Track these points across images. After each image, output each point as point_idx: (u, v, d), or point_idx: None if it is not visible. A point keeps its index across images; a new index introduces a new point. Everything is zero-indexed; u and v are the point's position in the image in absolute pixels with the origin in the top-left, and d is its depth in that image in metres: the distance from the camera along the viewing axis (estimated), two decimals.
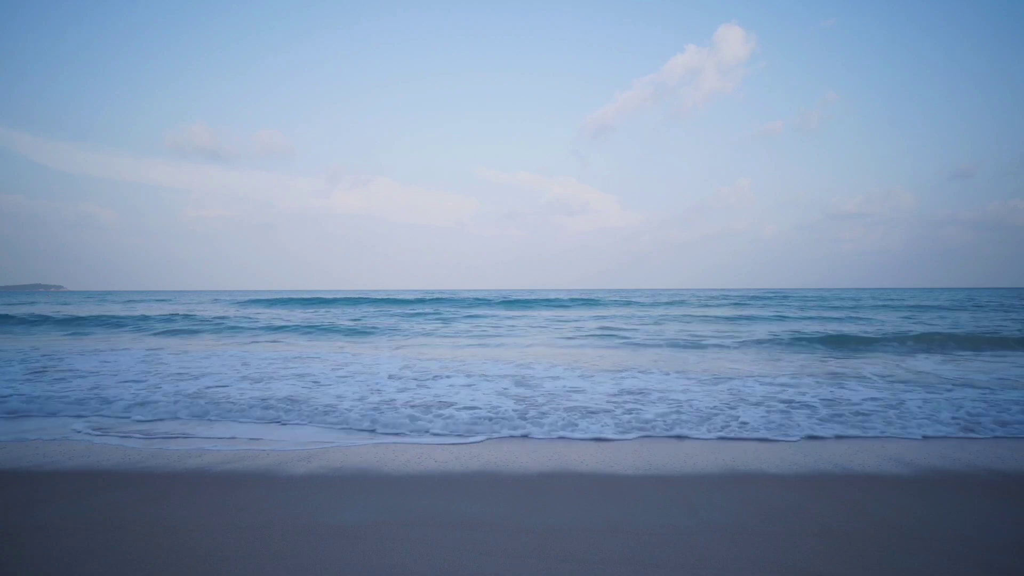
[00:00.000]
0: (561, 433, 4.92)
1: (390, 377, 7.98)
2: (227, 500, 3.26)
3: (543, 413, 5.64)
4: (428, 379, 7.86)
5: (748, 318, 21.68)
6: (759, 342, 12.95)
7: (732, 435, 4.88)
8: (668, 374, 8.35)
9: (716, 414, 5.62)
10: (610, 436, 4.83)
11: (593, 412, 5.72)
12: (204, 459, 4.14)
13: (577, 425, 5.18)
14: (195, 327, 18.34)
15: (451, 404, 6.12)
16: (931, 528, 2.92)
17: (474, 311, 27.68)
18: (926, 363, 9.73)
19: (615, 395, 6.65)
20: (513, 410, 5.80)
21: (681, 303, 34.79)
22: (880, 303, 32.63)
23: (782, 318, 21.67)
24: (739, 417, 5.47)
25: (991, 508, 3.23)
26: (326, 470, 3.90)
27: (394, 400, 6.32)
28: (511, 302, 35.04)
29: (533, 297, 42.54)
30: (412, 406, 6.01)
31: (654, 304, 33.62)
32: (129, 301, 44.12)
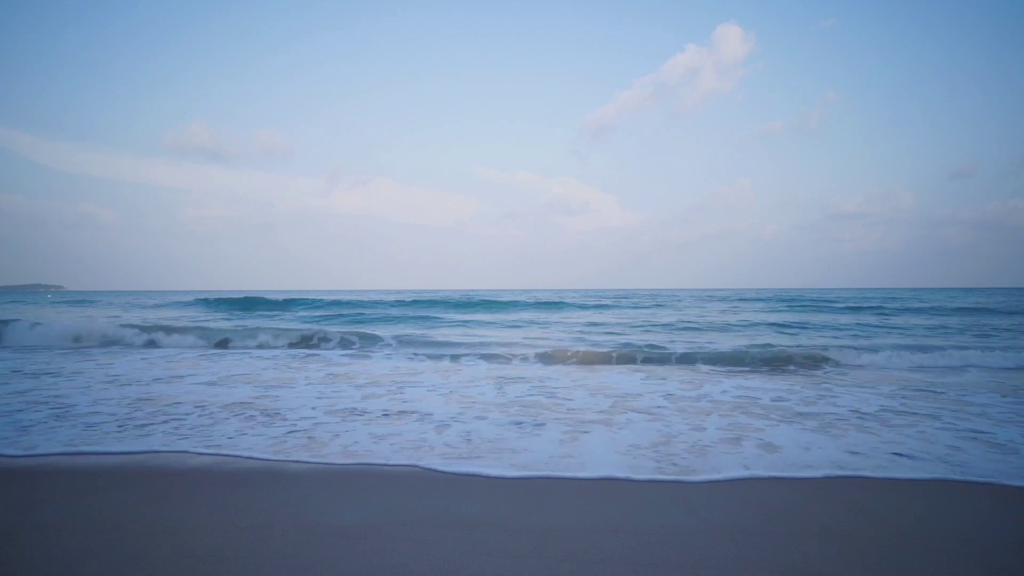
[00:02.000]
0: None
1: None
2: (227, 500, 3.26)
3: None
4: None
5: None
6: None
7: None
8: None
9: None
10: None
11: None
12: (204, 459, 4.14)
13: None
14: None
15: None
16: (931, 528, 2.92)
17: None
18: None
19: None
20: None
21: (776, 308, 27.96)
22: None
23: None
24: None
25: (991, 508, 3.23)
26: (326, 470, 3.90)
27: None
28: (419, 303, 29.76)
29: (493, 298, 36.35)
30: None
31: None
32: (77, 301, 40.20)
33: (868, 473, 3.87)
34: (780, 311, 25.97)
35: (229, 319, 21.92)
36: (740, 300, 38.12)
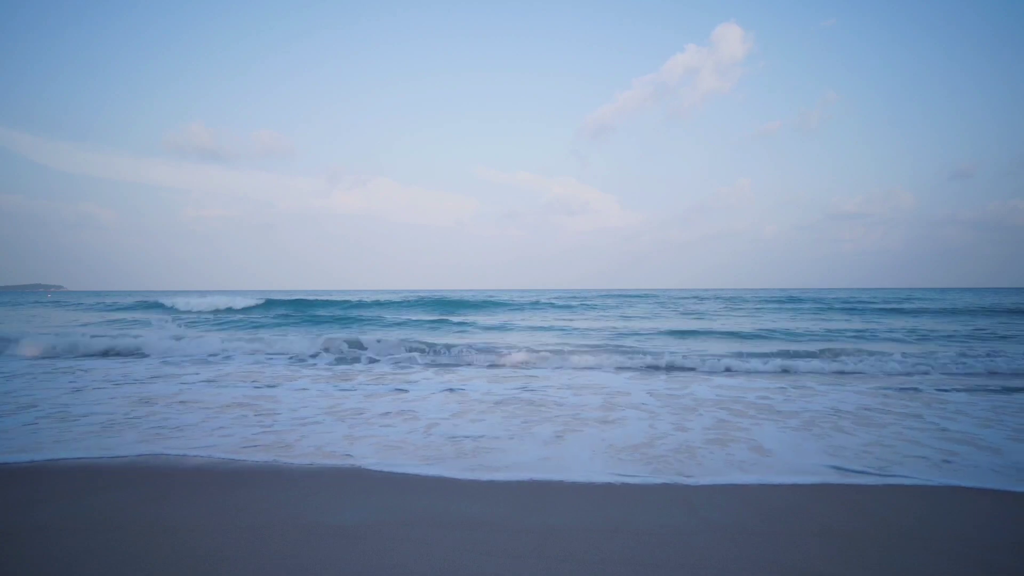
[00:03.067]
0: None
1: None
2: (227, 500, 3.26)
3: None
4: None
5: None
6: None
7: None
8: None
9: None
10: None
11: None
12: (204, 459, 4.14)
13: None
14: None
15: None
16: (931, 528, 2.92)
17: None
18: None
19: None
20: None
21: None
22: None
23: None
24: None
25: (991, 508, 3.23)
26: (326, 470, 3.90)
27: None
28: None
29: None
30: None
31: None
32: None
33: (864, 480, 3.87)
34: (781, 311, 25.70)
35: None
36: (729, 300, 36.95)
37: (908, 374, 8.79)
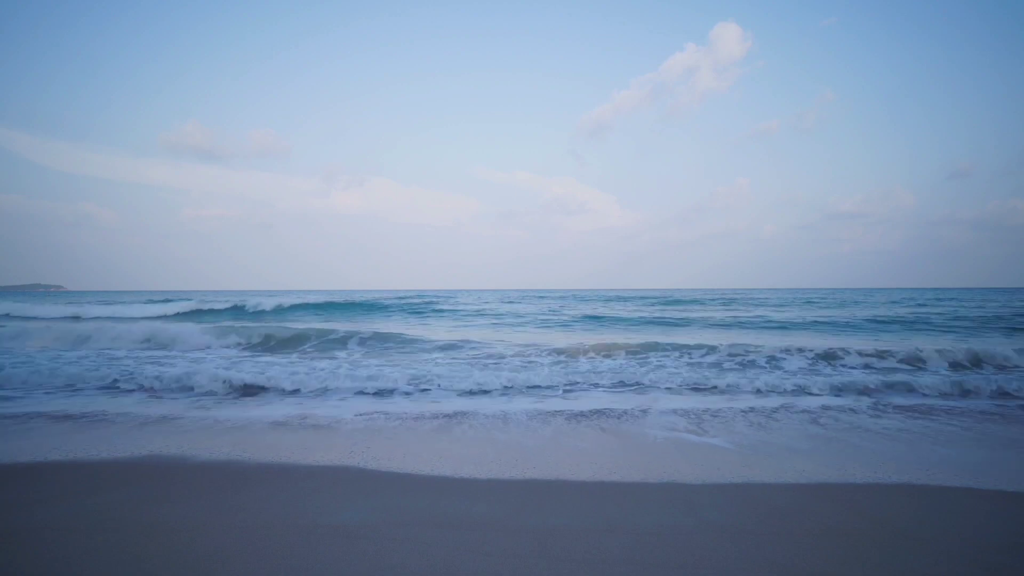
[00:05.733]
0: None
1: None
2: (227, 500, 3.26)
3: None
4: None
5: None
6: None
7: None
8: None
9: None
10: None
11: None
12: (204, 459, 4.14)
13: None
14: None
15: None
16: (931, 528, 2.92)
17: None
18: None
19: None
20: None
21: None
22: None
23: None
24: None
25: (991, 508, 3.24)
26: (326, 470, 3.90)
27: None
28: None
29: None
30: None
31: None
32: None
33: (864, 480, 3.88)
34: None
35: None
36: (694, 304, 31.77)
37: None
